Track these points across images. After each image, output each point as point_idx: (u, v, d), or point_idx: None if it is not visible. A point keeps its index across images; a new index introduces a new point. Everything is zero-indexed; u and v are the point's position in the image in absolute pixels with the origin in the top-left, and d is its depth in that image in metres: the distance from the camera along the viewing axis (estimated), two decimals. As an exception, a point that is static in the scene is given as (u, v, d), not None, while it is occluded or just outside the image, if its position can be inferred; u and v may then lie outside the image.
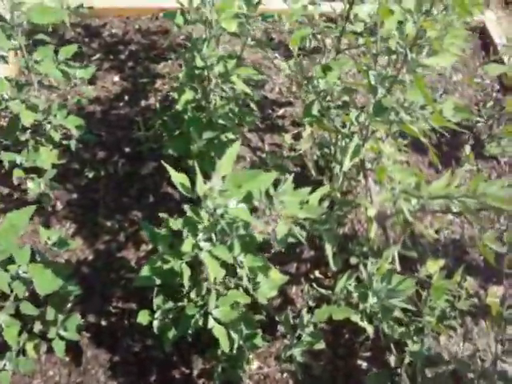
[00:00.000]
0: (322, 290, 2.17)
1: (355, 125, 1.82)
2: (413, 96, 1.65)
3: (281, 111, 3.06)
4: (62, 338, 2.03)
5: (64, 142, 2.57)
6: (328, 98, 2.11)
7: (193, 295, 1.75)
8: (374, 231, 1.79)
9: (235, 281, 1.89)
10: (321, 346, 1.89)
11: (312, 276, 2.51)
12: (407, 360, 1.71)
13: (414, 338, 1.76)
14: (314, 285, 2.28)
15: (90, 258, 2.50)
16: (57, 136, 2.41)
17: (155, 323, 1.87)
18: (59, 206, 2.62)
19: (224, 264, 1.58)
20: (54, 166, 2.48)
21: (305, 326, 1.94)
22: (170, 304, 1.85)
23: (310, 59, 2.31)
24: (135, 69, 3.20)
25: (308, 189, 1.64)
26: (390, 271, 1.65)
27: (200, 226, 1.47)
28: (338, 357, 2.27)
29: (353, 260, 2.37)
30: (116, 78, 3.14)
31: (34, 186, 2.39)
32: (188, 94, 2.12)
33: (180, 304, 1.86)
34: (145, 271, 1.73)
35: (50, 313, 2.01)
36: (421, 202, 1.60)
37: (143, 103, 3.03)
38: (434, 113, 1.59)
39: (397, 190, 1.65)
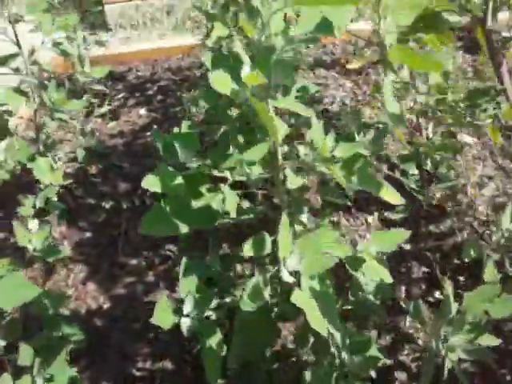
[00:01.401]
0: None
1: None
2: None
3: (348, 119, 2.39)
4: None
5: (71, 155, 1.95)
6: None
7: (248, 249, 0.94)
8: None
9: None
10: (493, 341, 1.02)
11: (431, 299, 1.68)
12: None
13: None
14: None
15: (106, 305, 1.75)
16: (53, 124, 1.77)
17: (185, 323, 1.02)
18: (66, 246, 1.93)
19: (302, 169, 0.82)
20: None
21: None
22: (213, 289, 1.02)
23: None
24: (165, 101, 2.65)
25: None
26: None
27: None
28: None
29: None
30: (142, 111, 2.59)
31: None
32: (220, 30, 1.50)
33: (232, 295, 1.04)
34: (148, 181, 0.93)
35: (24, 355, 1.23)
36: None
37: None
38: None
39: None
